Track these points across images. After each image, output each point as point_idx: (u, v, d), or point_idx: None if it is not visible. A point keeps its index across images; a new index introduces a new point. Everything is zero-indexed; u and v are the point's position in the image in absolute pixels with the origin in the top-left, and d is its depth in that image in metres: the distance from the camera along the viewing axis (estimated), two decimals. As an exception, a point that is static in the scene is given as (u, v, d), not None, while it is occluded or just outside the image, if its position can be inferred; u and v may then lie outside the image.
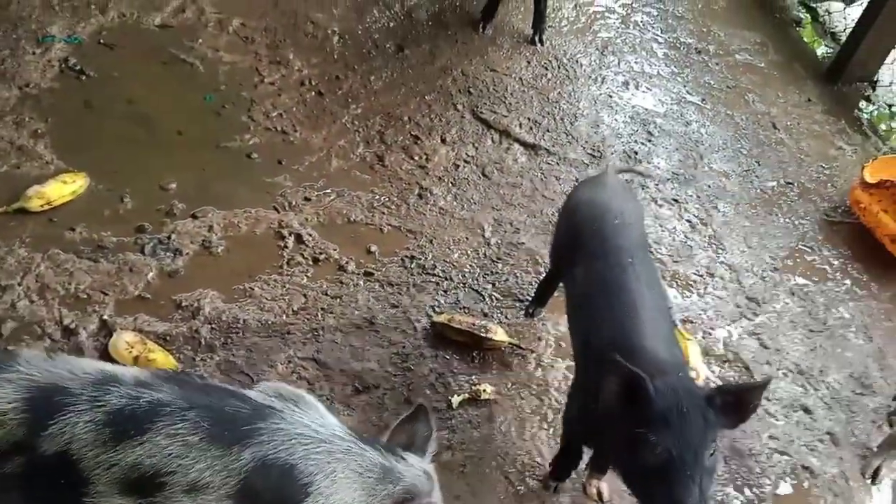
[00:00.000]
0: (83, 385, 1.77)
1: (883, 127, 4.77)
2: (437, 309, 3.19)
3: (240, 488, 1.74)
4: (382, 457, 1.89)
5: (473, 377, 3.01)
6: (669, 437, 1.93)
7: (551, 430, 2.91)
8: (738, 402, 2.03)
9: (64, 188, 3.22)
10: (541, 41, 4.53)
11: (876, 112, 4.85)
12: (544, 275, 3.22)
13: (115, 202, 3.29)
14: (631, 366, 1.98)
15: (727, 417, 2.02)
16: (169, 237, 3.20)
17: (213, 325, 2.96)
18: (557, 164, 3.94)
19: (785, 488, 2.95)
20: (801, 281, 3.69)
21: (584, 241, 2.60)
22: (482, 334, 3.04)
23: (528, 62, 4.46)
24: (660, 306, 2.42)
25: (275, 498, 1.78)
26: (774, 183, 4.17)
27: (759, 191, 4.10)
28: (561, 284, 2.94)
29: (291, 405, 1.90)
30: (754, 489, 2.92)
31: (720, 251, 3.72)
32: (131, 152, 3.50)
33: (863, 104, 4.86)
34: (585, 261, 2.56)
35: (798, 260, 3.80)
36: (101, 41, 3.95)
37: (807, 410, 3.19)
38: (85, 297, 2.94)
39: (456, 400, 2.91)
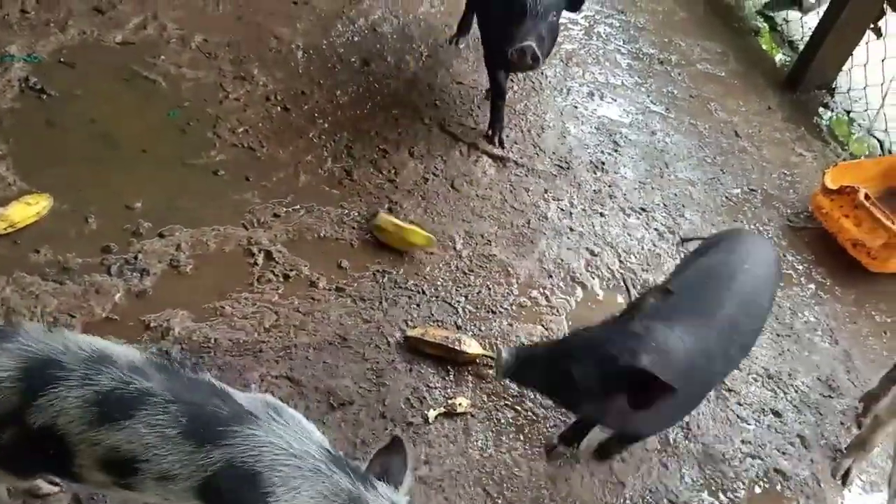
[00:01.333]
0: (77, 361, 1.84)
1: (842, 133, 4.85)
2: (410, 323, 3.18)
3: (203, 484, 1.82)
4: (352, 483, 1.87)
5: (449, 391, 3.00)
6: None
7: (528, 442, 2.91)
8: None
9: (27, 210, 3.16)
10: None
11: (834, 118, 4.92)
12: None
13: (80, 223, 3.24)
14: None
15: None
16: (136, 257, 3.16)
17: (184, 345, 2.93)
18: (526, 175, 3.95)
19: (758, 492, 2.99)
20: (767, 286, 3.73)
21: None
22: (456, 347, 3.04)
23: (494, 74, 4.47)
24: None
25: (234, 499, 1.84)
26: (738, 190, 4.23)
27: (724, 198, 4.16)
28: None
29: (273, 414, 1.92)
30: (728, 494, 2.96)
31: (688, 259, 3.75)
32: (95, 171, 3.44)
33: (822, 111, 4.92)
34: None
35: (764, 265, 3.84)
36: (62, 60, 3.88)
37: (777, 414, 3.24)
38: (52, 319, 2.88)
39: (432, 414, 2.90)
